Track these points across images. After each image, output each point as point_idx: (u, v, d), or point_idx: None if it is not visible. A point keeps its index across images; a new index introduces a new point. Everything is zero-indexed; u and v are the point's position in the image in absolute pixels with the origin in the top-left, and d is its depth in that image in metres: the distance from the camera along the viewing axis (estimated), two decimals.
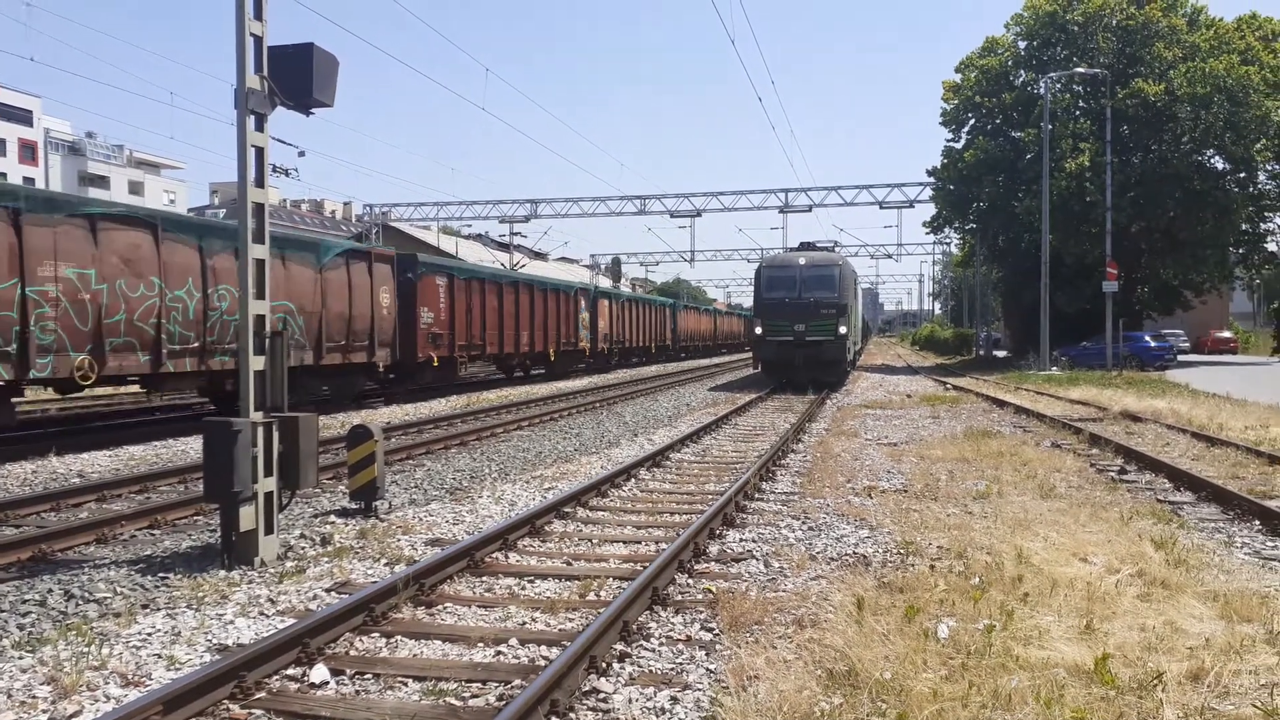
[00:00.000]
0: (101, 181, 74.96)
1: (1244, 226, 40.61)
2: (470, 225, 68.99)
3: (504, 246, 64.47)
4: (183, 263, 15.29)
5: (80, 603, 6.36)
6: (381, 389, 23.80)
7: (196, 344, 15.54)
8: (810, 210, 52.09)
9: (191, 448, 13.94)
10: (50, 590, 6.61)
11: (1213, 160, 39.90)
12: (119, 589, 6.66)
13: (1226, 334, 58.03)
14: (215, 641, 5.49)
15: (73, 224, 13.45)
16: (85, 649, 5.30)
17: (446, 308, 24.40)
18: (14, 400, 13.76)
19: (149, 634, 5.60)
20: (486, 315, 26.87)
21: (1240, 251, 42.38)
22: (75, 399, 20.92)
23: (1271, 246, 43.33)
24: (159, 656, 5.23)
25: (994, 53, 43.54)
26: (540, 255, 76.96)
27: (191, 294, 15.44)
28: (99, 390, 20.53)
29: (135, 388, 18.33)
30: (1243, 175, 39.29)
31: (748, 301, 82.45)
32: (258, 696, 4.69)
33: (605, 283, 68.82)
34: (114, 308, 13.98)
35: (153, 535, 8.63)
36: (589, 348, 36.68)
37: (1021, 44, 43.26)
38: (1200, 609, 5.70)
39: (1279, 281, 52.93)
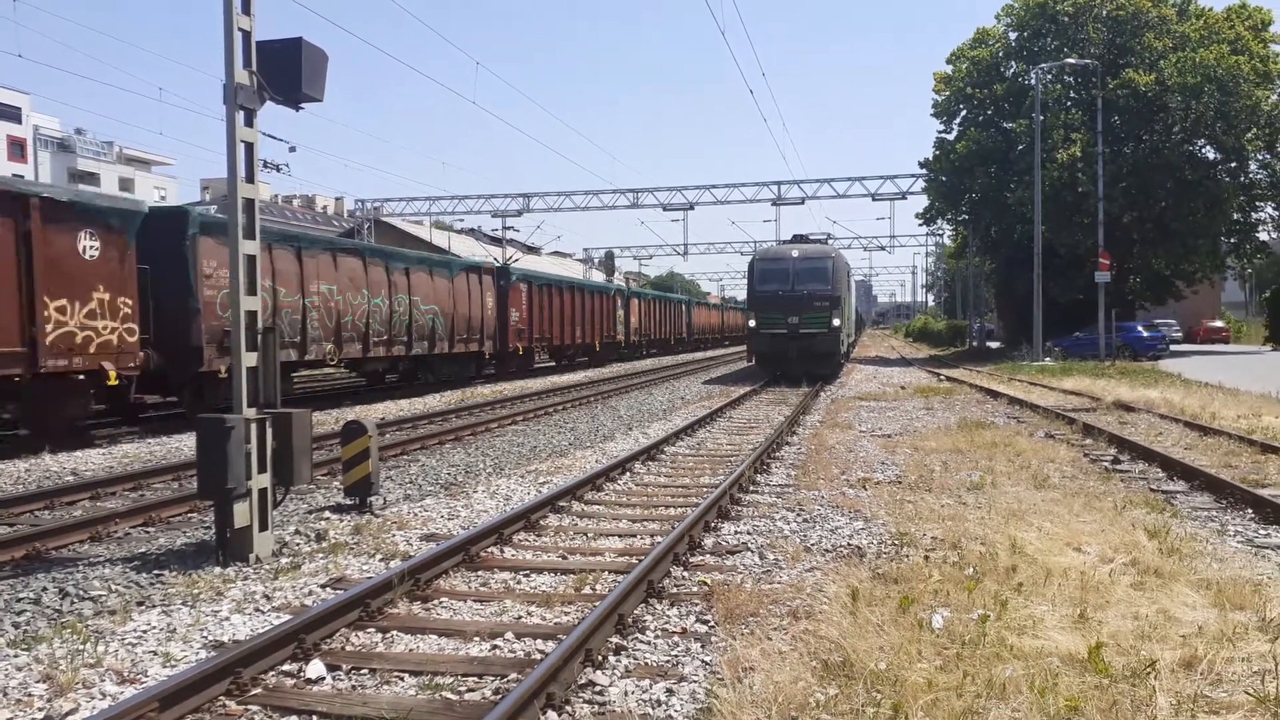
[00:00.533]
0: (91, 178, 74.47)
1: (1235, 216, 40.72)
2: (463, 220, 69.19)
3: (497, 241, 64.37)
4: (377, 279, 21.65)
5: (75, 600, 6.35)
6: (477, 372, 28.69)
7: (386, 336, 21.97)
8: (803, 203, 52.21)
9: (185, 445, 13.91)
10: (45, 588, 6.60)
11: (1204, 150, 40.01)
12: (114, 586, 6.65)
13: (1219, 323, 58.27)
14: (211, 638, 5.48)
15: (324, 254, 19.74)
16: (81, 646, 5.29)
17: (527, 308, 30.83)
18: (292, 375, 20.12)
19: (144, 631, 5.60)
20: (552, 314, 33.28)
21: (1232, 241, 42.50)
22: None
23: (1263, 236, 43.51)
24: (154, 653, 5.23)
25: (985, 44, 43.58)
26: (533, 249, 76.76)
27: (385, 301, 21.80)
28: None
29: None
30: (1234, 165, 39.38)
31: (741, 294, 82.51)
32: (254, 693, 4.69)
33: (599, 277, 68.87)
34: (345, 311, 20.16)
35: (147, 533, 8.61)
36: (624, 340, 43.20)
37: (1012, 35, 43.31)
38: (1193, 597, 5.72)
39: (1270, 271, 53.05)
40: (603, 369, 36.99)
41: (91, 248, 13.56)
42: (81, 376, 13.53)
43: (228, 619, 5.84)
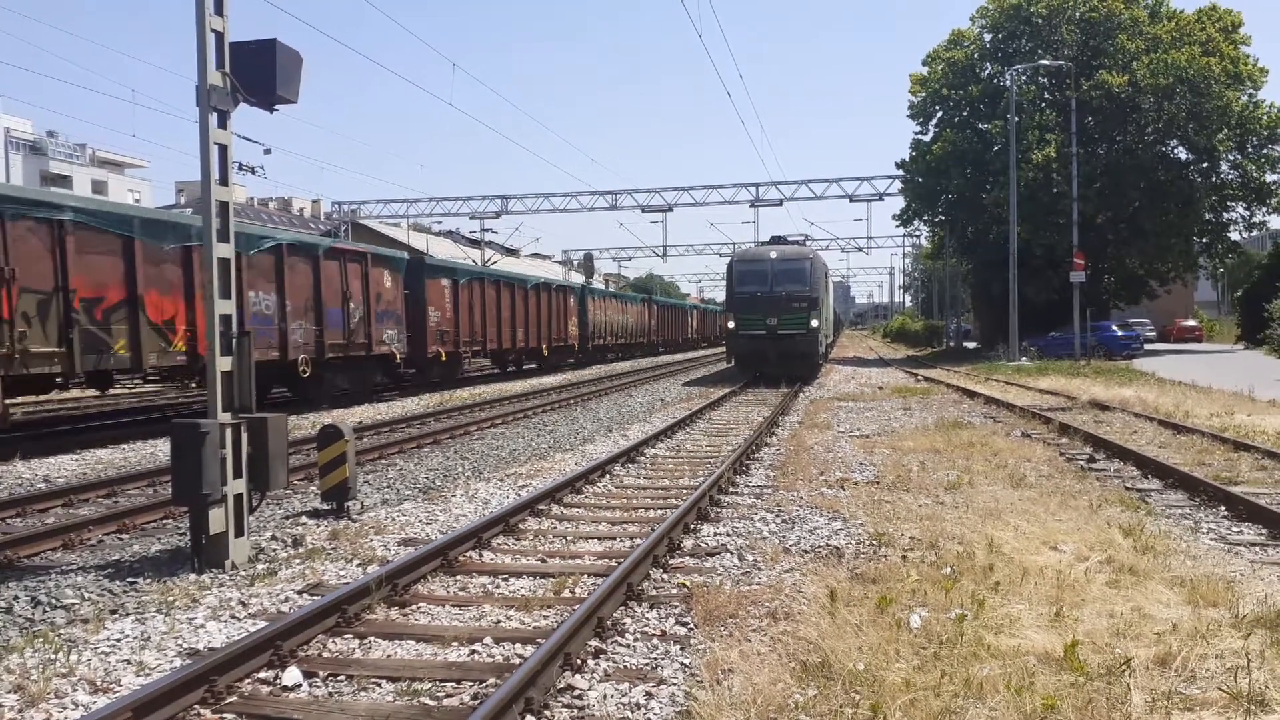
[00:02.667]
0: (64, 181, 73.50)
1: (1207, 216, 41.22)
2: (441, 222, 68.71)
3: (475, 243, 64.18)
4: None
5: (47, 609, 6.27)
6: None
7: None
8: (781, 204, 52.35)
9: (160, 450, 13.77)
10: (16, 597, 6.51)
11: (1176, 150, 40.51)
12: (87, 595, 6.57)
13: (1192, 322, 58.90)
14: (186, 646, 5.43)
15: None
16: (53, 656, 5.22)
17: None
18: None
19: (118, 640, 5.53)
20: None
21: (1204, 241, 42.98)
22: (43, 402, 20.60)
23: (1234, 235, 44.01)
24: (128, 662, 5.17)
25: (960, 45, 43.89)
26: (512, 251, 76.57)
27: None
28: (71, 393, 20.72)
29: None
30: (1205, 165, 39.87)
31: (720, 296, 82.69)
32: (229, 701, 4.64)
33: (577, 279, 68.75)
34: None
35: (121, 540, 8.51)
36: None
37: (987, 37, 43.65)
38: (1167, 595, 5.78)
39: (1242, 270, 53.67)
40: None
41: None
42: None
43: (203, 626, 5.78)
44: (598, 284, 70.52)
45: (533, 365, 36.19)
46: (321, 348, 19.69)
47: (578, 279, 67.93)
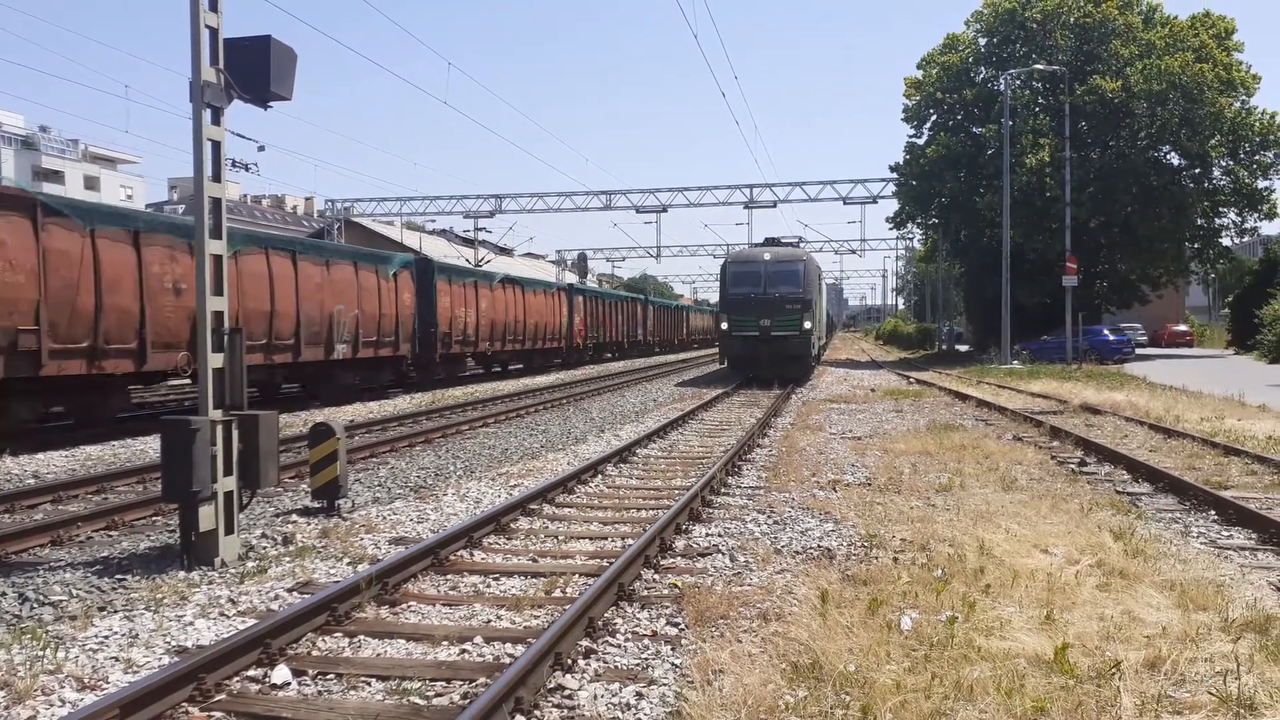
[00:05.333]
0: (56, 177, 73.33)
1: (1199, 221, 41.36)
2: (434, 220, 68.75)
3: (469, 242, 64.04)
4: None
5: (35, 606, 6.23)
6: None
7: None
8: (775, 206, 52.33)
9: (150, 447, 13.72)
10: (4, 593, 6.47)
11: (1168, 156, 40.61)
12: (75, 591, 6.54)
13: (1183, 327, 59.11)
14: (174, 643, 5.40)
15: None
16: (40, 653, 5.20)
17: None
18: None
19: (106, 637, 5.51)
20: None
21: (1195, 246, 43.13)
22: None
23: (1226, 241, 44.21)
24: (116, 659, 5.14)
25: (955, 49, 43.97)
26: (506, 251, 76.56)
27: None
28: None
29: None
30: (1198, 171, 40.00)
31: (714, 297, 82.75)
32: (218, 698, 4.63)
33: (571, 278, 68.79)
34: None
35: (110, 536, 8.47)
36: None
37: (982, 41, 43.73)
38: (1158, 598, 5.79)
39: (1233, 275, 53.89)
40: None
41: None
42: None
43: (192, 624, 5.75)
44: (591, 284, 70.55)
45: (518, 366, 35.80)
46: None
47: (572, 278, 67.93)
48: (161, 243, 15.59)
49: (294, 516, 9.08)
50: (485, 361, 32.69)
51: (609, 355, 46.95)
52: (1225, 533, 8.14)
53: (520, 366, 36.29)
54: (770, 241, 30.84)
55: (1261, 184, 39.97)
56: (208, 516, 7.07)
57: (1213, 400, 19.29)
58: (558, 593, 6.44)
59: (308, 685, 4.86)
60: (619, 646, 5.35)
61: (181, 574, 6.91)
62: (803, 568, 6.81)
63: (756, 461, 12.41)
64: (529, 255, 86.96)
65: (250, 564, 7.25)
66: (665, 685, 4.75)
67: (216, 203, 7.38)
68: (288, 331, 19.17)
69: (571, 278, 63.54)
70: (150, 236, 15.39)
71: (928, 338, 65.55)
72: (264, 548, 7.78)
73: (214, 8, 7.21)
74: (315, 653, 5.33)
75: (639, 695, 4.64)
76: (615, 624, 5.73)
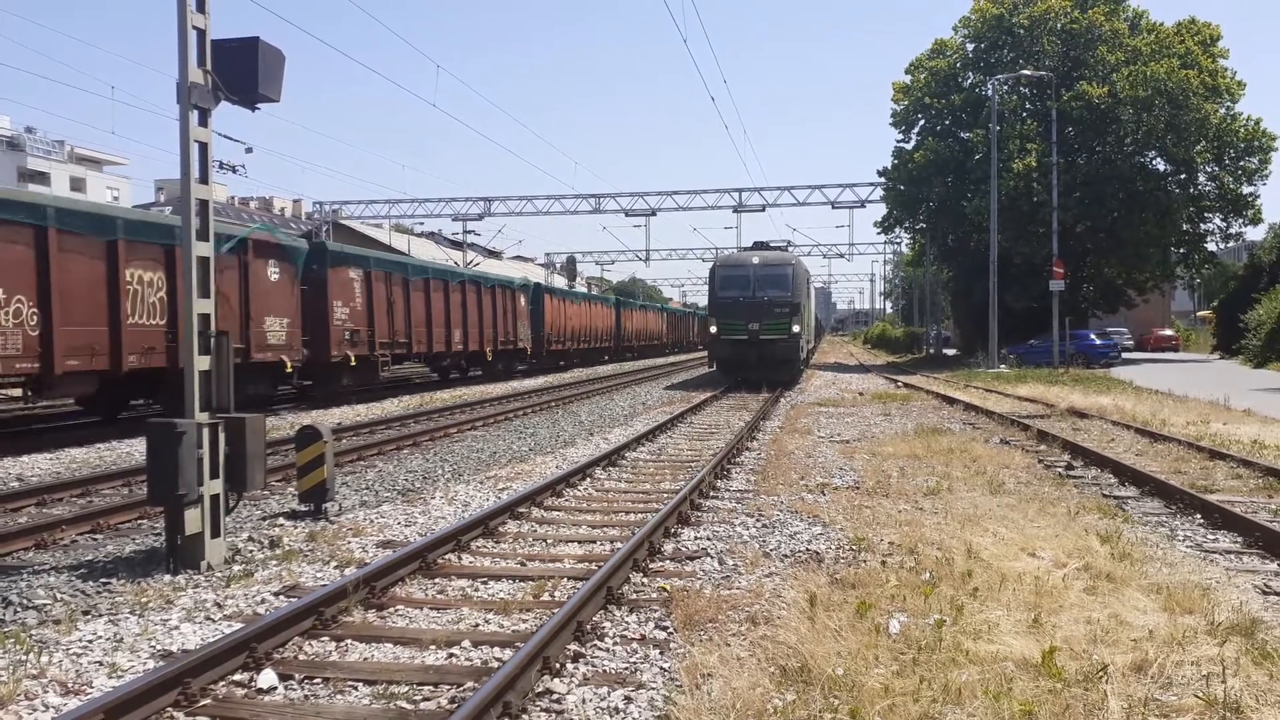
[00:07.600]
0: (42, 178, 72.75)
1: (1185, 227, 41.59)
2: (423, 223, 68.51)
3: (457, 245, 63.96)
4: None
5: (18, 610, 6.18)
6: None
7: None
8: (764, 210, 52.49)
9: (136, 450, 13.63)
10: None
11: (1154, 161, 40.87)
12: (59, 595, 6.48)
13: (1169, 332, 59.47)
14: (159, 648, 5.37)
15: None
16: (23, 657, 5.15)
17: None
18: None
19: (90, 641, 5.46)
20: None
21: (1181, 251, 43.36)
22: (16, 401, 20.34)
23: (1211, 246, 44.45)
24: (100, 664, 5.10)
25: (943, 55, 44.18)
26: (494, 254, 76.48)
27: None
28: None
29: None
30: (1183, 176, 40.25)
31: (703, 300, 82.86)
32: (203, 703, 4.59)
33: (560, 282, 68.80)
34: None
35: (95, 540, 8.41)
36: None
37: (969, 46, 43.95)
38: (1144, 601, 5.81)
39: (1218, 280, 54.23)
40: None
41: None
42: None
43: (177, 628, 5.72)
44: (580, 287, 70.46)
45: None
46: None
47: (560, 281, 67.85)
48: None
49: (281, 520, 9.03)
50: (568, 357, 42.11)
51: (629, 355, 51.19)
52: (1211, 536, 8.17)
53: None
54: (759, 245, 30.87)
55: (1246, 189, 40.32)
56: (194, 520, 7.03)
57: (1199, 404, 19.40)
58: (546, 596, 6.43)
59: (294, 689, 4.83)
60: (607, 650, 5.33)
61: (167, 578, 6.87)
62: (791, 571, 6.81)
63: (745, 465, 12.41)
64: (518, 258, 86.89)
65: (236, 567, 7.21)
66: (654, 689, 4.74)
67: (204, 204, 7.34)
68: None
69: (561, 280, 63.49)
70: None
71: (915, 341, 65.77)
72: (250, 551, 7.74)
73: (201, 9, 7.18)
74: (302, 657, 5.29)
75: (627, 699, 4.63)
76: (604, 628, 5.71)
